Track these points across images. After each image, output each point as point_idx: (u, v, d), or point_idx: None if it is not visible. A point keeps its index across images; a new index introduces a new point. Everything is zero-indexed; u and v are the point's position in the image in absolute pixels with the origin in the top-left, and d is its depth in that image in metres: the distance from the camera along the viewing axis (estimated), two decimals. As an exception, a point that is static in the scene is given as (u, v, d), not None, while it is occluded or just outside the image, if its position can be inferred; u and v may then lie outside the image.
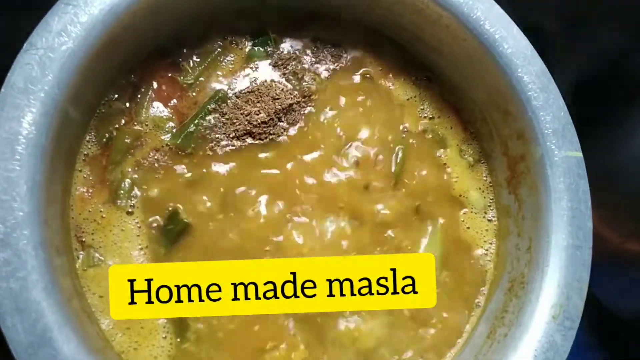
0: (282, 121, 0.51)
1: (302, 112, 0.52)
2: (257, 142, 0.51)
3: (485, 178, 0.55)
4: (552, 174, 0.48)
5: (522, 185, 0.51)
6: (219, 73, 0.52)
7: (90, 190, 0.47)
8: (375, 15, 0.54)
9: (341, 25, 0.55)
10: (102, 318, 0.45)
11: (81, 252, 0.46)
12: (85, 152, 0.48)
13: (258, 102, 0.51)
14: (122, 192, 0.48)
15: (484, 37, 0.49)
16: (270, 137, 0.51)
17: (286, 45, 0.54)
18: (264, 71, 0.53)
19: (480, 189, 0.55)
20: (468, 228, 0.54)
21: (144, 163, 0.49)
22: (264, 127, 0.51)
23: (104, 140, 0.48)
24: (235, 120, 0.50)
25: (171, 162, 0.49)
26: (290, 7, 0.54)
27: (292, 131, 0.52)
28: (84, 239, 0.46)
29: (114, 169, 0.48)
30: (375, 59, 0.56)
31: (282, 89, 0.52)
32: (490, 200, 0.55)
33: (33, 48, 0.40)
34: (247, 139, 0.51)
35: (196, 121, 0.50)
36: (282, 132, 0.51)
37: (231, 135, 0.50)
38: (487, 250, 0.54)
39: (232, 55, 0.53)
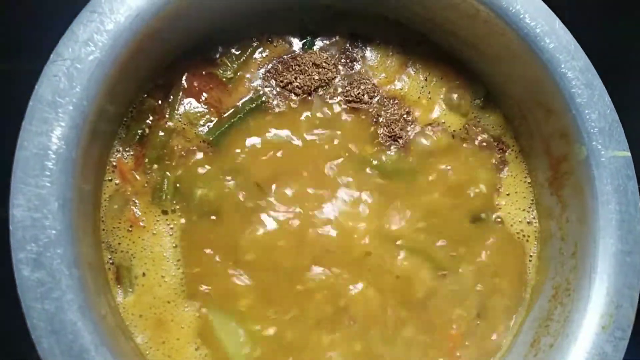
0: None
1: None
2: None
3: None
4: (599, 175, 0.45)
5: (566, 187, 0.49)
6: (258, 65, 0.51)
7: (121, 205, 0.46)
8: (406, 11, 0.52)
9: (375, 23, 0.53)
10: (136, 332, 0.44)
11: (112, 263, 0.45)
12: (114, 162, 0.47)
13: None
14: (162, 192, 0.47)
15: (524, 32, 0.47)
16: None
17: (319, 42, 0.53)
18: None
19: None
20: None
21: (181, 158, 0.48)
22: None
23: (137, 138, 0.47)
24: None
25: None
26: (322, 5, 0.52)
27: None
28: (114, 249, 0.45)
29: (152, 170, 0.48)
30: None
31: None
32: (531, 201, 0.53)
33: (60, 59, 0.39)
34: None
35: (232, 121, 0.49)
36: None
37: None
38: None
39: (267, 51, 0.51)
